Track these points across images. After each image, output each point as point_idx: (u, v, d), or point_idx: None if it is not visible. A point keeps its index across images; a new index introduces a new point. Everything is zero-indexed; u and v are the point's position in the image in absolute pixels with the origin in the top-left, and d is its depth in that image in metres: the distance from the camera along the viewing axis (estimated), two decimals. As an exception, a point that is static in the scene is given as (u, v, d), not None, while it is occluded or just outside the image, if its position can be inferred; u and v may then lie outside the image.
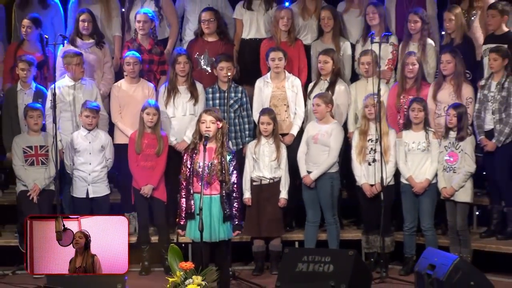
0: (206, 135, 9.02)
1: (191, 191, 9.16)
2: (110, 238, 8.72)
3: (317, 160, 10.23)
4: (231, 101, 10.53)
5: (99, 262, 8.71)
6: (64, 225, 8.63)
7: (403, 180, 10.16)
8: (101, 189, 10.39)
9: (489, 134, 10.18)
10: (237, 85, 10.72)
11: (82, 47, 10.88)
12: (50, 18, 11.24)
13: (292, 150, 10.44)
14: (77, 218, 8.91)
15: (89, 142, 10.33)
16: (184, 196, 9.22)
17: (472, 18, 10.90)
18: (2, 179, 11.09)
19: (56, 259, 8.76)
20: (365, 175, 10.22)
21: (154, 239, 10.47)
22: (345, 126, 10.65)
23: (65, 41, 10.66)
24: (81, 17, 10.89)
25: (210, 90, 10.64)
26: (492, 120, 10.17)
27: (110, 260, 8.70)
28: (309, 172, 10.28)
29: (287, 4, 11.22)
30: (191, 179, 9.16)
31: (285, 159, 10.35)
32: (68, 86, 10.60)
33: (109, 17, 11.26)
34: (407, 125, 10.19)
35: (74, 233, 8.65)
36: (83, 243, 8.62)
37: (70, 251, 8.73)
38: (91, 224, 8.70)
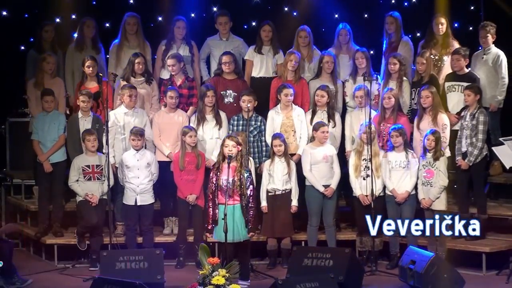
0: (230, 155, 9.78)
1: (216, 202, 9.86)
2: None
3: (331, 175, 10.86)
4: (251, 128, 11.14)
5: None
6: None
7: (387, 192, 10.73)
8: (147, 198, 10.87)
9: (465, 156, 10.80)
10: (258, 115, 11.26)
11: (135, 84, 11.36)
12: (100, 60, 11.76)
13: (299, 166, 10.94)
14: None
15: (137, 160, 10.81)
16: (211, 206, 9.91)
17: (445, 63, 11.56)
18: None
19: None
20: (360, 187, 10.74)
21: (190, 239, 10.87)
22: (342, 147, 11.19)
23: (116, 78, 11.19)
24: (137, 60, 11.39)
25: (236, 117, 11.23)
26: (465, 144, 10.79)
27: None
28: (325, 186, 10.83)
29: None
30: (216, 193, 9.86)
31: (295, 174, 10.87)
32: (123, 113, 11.15)
33: None
34: (392, 147, 10.73)
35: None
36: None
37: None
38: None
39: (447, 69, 11.53)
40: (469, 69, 11.29)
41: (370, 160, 10.64)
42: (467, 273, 10.30)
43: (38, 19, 12.39)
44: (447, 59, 11.56)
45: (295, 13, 13.00)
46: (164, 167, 11.10)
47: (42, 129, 11.26)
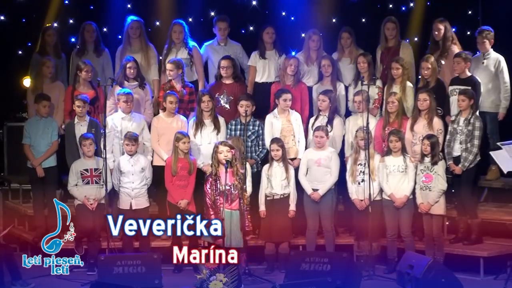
0: (228, 160, 9.83)
1: (216, 208, 9.93)
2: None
3: (322, 180, 10.81)
4: (249, 133, 11.08)
5: None
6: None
7: (385, 197, 10.67)
8: (142, 202, 10.88)
9: (456, 160, 10.77)
10: (256, 119, 11.18)
11: (128, 88, 11.32)
12: (102, 64, 11.86)
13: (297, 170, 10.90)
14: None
15: (132, 165, 10.84)
16: (212, 214, 9.99)
17: (442, 66, 11.53)
18: (62, 195, 11.50)
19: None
20: (356, 192, 10.74)
21: (185, 243, 10.54)
22: (341, 152, 11.11)
23: (114, 83, 11.21)
24: (128, 65, 11.40)
25: (234, 122, 11.18)
26: (460, 149, 10.75)
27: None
28: (314, 190, 10.79)
29: (293, 53, 11.79)
30: (215, 199, 9.95)
31: (293, 179, 10.83)
32: (120, 118, 11.16)
33: (148, 64, 11.86)
34: (388, 151, 10.72)
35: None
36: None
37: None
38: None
39: (443, 73, 11.51)
40: (471, 73, 11.25)
41: (368, 165, 10.60)
42: (465, 277, 10.26)
43: (35, 23, 12.41)
44: (444, 63, 11.54)
45: (292, 18, 12.98)
46: (162, 171, 11.03)
47: (36, 134, 11.27)
